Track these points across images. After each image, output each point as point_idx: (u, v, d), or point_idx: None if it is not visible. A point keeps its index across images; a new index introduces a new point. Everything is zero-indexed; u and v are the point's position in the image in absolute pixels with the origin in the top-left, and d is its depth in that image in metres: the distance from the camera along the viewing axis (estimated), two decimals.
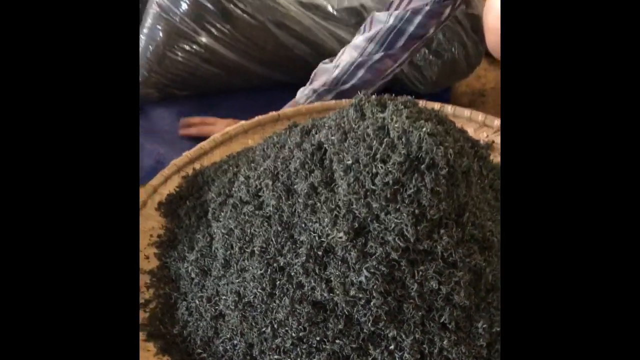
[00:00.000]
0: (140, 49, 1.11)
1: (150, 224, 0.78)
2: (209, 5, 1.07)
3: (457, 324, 0.56)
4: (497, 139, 0.88)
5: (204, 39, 1.09)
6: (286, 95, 1.04)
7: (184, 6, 1.08)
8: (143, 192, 0.81)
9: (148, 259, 0.74)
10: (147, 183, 0.83)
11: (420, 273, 0.55)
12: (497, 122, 0.89)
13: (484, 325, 0.56)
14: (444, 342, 0.55)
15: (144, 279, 0.71)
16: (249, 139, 0.91)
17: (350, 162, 0.57)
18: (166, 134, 1.08)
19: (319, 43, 1.11)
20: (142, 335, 0.64)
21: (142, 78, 1.12)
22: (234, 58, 1.10)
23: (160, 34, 1.11)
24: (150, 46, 1.11)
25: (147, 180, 0.89)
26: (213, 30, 1.08)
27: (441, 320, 0.56)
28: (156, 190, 0.82)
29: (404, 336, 0.55)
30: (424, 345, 0.55)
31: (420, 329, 0.55)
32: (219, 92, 1.15)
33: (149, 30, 1.11)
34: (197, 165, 0.86)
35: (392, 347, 0.55)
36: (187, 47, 1.10)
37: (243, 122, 0.92)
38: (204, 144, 0.89)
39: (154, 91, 1.14)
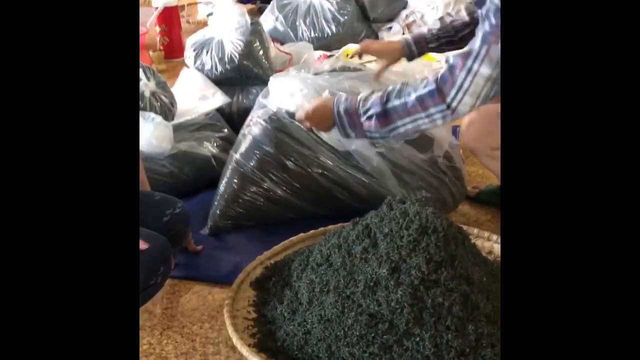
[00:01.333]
0: (220, 192, 1.56)
1: (247, 294, 1.17)
2: (271, 160, 1.54)
3: (456, 326, 0.93)
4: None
5: (266, 184, 1.55)
6: (327, 223, 1.44)
7: (254, 161, 1.55)
8: (240, 276, 1.20)
9: (249, 313, 1.11)
10: (242, 270, 1.22)
11: (432, 293, 0.94)
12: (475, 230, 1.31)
13: (472, 327, 0.93)
14: (449, 336, 0.92)
15: (247, 324, 1.08)
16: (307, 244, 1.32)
17: (386, 231, 0.99)
18: (240, 249, 1.48)
19: (349, 187, 1.56)
20: (254, 349, 0.99)
21: (220, 212, 1.55)
22: (289, 197, 1.55)
23: (235, 181, 1.56)
24: (227, 190, 1.56)
25: (227, 279, 1.28)
26: (274, 177, 1.54)
27: (446, 324, 0.93)
28: (248, 274, 1.22)
29: (424, 333, 0.92)
30: (437, 339, 0.92)
31: (434, 328, 0.92)
32: (277, 222, 1.57)
33: (227, 179, 1.57)
34: (271, 261, 1.26)
35: (417, 339, 0.92)
36: (254, 190, 1.55)
37: (302, 234, 1.34)
38: (276, 248, 1.30)
39: (229, 222, 1.56)
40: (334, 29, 2.90)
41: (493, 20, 1.03)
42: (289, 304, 1.06)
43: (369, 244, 1.01)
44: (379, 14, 3.04)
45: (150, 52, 2.76)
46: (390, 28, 3.05)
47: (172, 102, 1.78)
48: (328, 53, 2.65)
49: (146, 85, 1.71)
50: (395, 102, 1.15)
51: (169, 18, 2.81)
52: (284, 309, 1.05)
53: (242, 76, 1.96)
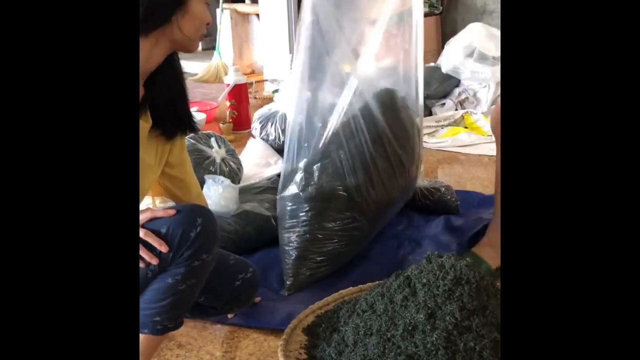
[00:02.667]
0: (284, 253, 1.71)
1: (299, 339, 1.29)
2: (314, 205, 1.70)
3: None
4: None
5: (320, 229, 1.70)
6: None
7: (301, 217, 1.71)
8: (294, 322, 1.33)
9: (300, 354, 1.24)
10: (296, 317, 1.35)
11: (464, 338, 1.04)
12: None
13: None
14: None
15: None
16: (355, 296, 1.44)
17: (424, 281, 1.11)
18: (293, 300, 1.61)
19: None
20: None
21: (292, 272, 1.70)
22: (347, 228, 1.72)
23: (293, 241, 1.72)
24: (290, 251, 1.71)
25: (281, 327, 1.40)
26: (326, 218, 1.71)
27: None
28: (301, 321, 1.34)
29: None
30: None
31: None
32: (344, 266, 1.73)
33: (286, 241, 1.73)
34: (322, 310, 1.39)
35: None
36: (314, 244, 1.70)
37: (351, 287, 1.46)
38: (327, 299, 1.42)
39: (305, 277, 1.70)
40: None
41: None
42: (336, 346, 1.18)
43: (408, 292, 1.13)
44: (433, 91, 3.22)
45: (220, 124, 3.03)
46: (444, 104, 3.22)
47: (239, 168, 1.99)
48: None
49: (217, 152, 1.93)
50: None
51: (239, 94, 3.08)
52: (331, 350, 1.17)
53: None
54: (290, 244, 1.71)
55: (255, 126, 2.22)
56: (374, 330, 1.11)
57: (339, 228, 1.70)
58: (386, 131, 1.77)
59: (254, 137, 2.27)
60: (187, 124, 1.27)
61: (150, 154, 1.22)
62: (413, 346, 1.05)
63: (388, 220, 1.87)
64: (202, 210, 1.14)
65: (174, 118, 1.24)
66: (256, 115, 2.26)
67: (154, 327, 1.12)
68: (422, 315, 1.07)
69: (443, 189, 2.04)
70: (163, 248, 1.05)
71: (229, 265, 1.37)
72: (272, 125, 2.18)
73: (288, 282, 1.68)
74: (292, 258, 1.70)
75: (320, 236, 1.70)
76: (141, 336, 1.13)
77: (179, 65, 1.23)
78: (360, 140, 1.75)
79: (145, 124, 1.18)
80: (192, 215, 1.10)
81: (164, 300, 1.10)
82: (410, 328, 1.07)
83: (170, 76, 1.21)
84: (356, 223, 1.72)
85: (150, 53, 1.11)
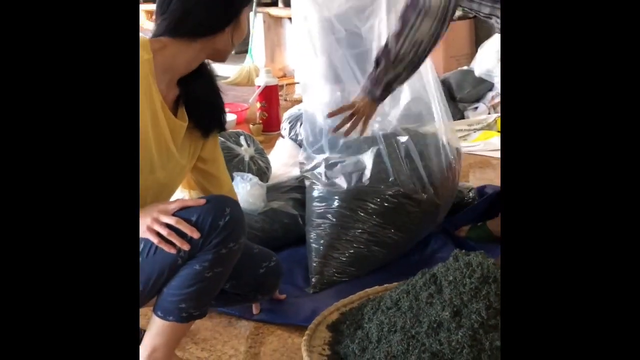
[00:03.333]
0: (311, 250, 1.71)
1: (323, 335, 1.29)
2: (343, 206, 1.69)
3: None
4: None
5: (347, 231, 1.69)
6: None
7: (330, 214, 1.70)
8: (318, 318, 1.33)
9: (324, 350, 1.23)
10: (320, 314, 1.35)
11: (490, 336, 1.02)
12: None
13: None
14: None
15: (322, 359, 1.19)
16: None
17: (451, 279, 1.09)
18: (318, 298, 1.61)
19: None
20: None
21: (317, 269, 1.69)
22: (374, 233, 1.70)
23: (322, 239, 1.71)
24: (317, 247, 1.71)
25: (305, 323, 1.39)
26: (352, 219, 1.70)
27: None
28: (325, 318, 1.34)
29: None
30: None
31: None
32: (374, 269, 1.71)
33: (314, 238, 1.72)
34: (347, 308, 1.38)
35: None
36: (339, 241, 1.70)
37: (377, 286, 1.45)
38: (352, 297, 1.41)
39: (331, 276, 1.69)
40: None
41: None
42: (360, 342, 1.17)
43: (434, 290, 1.11)
44: (466, 95, 3.19)
45: (251, 125, 3.05)
46: (477, 108, 3.19)
47: (268, 167, 2.00)
48: None
49: (246, 150, 1.95)
50: (392, 41, 1.43)
51: (269, 95, 3.10)
52: (355, 346, 1.16)
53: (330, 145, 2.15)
54: (317, 242, 1.71)
55: (285, 126, 2.23)
56: (398, 327, 1.10)
57: (368, 232, 1.69)
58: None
59: (283, 137, 2.28)
60: (223, 122, 1.32)
61: (184, 154, 1.26)
62: (438, 344, 1.03)
63: (426, 233, 1.83)
64: (230, 201, 1.16)
65: (211, 116, 1.28)
66: (285, 116, 2.27)
67: (179, 314, 1.13)
68: (447, 313, 1.05)
69: (468, 191, 2.03)
70: (195, 234, 1.07)
71: (253, 254, 1.39)
72: (301, 125, 2.19)
73: (313, 280, 1.68)
74: (318, 256, 1.70)
75: (347, 237, 1.69)
76: (166, 324, 1.14)
77: (211, 67, 1.29)
78: (394, 142, 1.75)
79: (182, 123, 1.22)
80: (221, 204, 1.13)
81: (191, 287, 1.11)
82: (435, 325, 1.06)
83: (205, 76, 1.26)
84: (386, 230, 1.70)
85: (194, 57, 1.18)
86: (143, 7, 4.58)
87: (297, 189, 2.00)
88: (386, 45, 1.50)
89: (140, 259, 1.08)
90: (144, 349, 1.14)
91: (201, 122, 1.26)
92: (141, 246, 1.09)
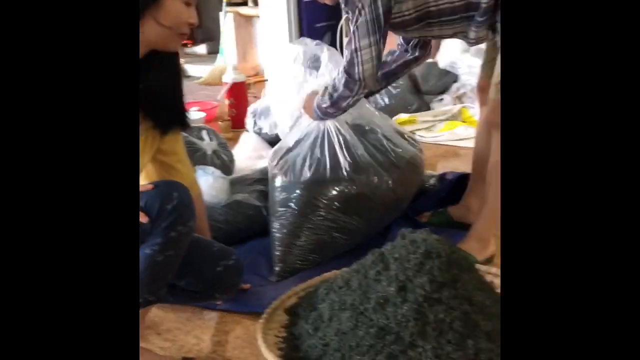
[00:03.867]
0: (274, 239, 1.73)
1: (280, 318, 1.31)
2: (305, 193, 1.72)
3: (456, 340, 1.03)
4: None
5: (310, 218, 1.71)
6: None
7: (293, 202, 1.73)
8: (275, 303, 1.35)
9: (280, 332, 1.25)
10: (278, 298, 1.38)
11: (434, 310, 1.05)
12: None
13: (472, 343, 1.03)
14: (449, 349, 1.02)
15: (277, 340, 1.22)
16: None
17: (397, 255, 1.12)
18: (282, 286, 1.63)
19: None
20: (280, 359, 1.13)
21: (280, 258, 1.71)
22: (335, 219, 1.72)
23: (285, 227, 1.74)
24: (280, 236, 1.73)
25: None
26: (315, 207, 1.71)
27: (447, 338, 1.04)
28: (283, 302, 1.36)
29: (427, 345, 1.03)
30: (438, 350, 1.02)
31: (436, 342, 1.03)
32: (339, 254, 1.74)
33: (279, 227, 1.75)
34: (305, 292, 1.40)
35: (420, 350, 1.03)
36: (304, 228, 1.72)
37: (335, 270, 1.48)
38: (310, 281, 1.44)
39: (294, 265, 1.72)
40: (387, 100, 3.11)
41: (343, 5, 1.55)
42: (313, 322, 1.19)
43: (382, 267, 1.14)
44: (431, 87, 3.24)
45: (219, 122, 3.06)
46: (442, 99, 3.23)
47: (231, 160, 2.02)
48: None
49: (208, 144, 1.97)
50: (334, 95, 1.65)
51: (237, 93, 3.12)
52: (309, 326, 1.19)
53: None
54: (280, 231, 1.73)
55: (249, 120, 2.25)
56: (347, 304, 1.13)
57: (329, 219, 1.71)
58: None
59: (247, 131, 2.30)
60: (184, 120, 1.31)
61: (142, 151, 1.24)
62: (384, 318, 1.06)
63: (389, 221, 1.86)
64: (177, 185, 1.18)
65: (169, 112, 1.27)
66: (250, 110, 2.29)
67: None
68: (393, 289, 1.08)
69: (430, 178, 2.07)
70: (143, 219, 1.08)
71: (212, 251, 1.40)
72: (265, 119, 2.21)
73: (277, 269, 1.70)
74: (281, 244, 1.72)
75: (309, 225, 1.71)
76: None
77: (177, 65, 1.27)
78: (353, 133, 1.79)
79: None
80: (169, 189, 1.14)
81: (143, 272, 1.12)
82: (382, 301, 1.09)
83: (164, 71, 1.23)
84: (347, 217, 1.72)
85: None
86: None
87: (261, 181, 2.02)
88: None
89: None
90: None
91: (157, 118, 1.25)
92: None
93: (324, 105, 1.69)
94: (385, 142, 1.80)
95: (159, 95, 1.24)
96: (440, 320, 1.04)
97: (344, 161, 1.74)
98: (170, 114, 1.28)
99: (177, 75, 1.28)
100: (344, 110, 1.71)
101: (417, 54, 1.87)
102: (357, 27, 1.53)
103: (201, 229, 1.48)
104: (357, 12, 1.52)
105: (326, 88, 1.69)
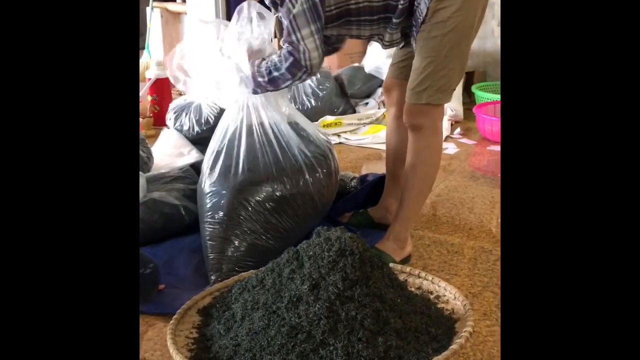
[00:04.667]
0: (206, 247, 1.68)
1: (193, 319, 1.28)
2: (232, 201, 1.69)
3: (367, 338, 1.04)
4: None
5: (241, 225, 1.68)
6: None
7: (222, 211, 1.70)
8: (188, 303, 1.32)
9: (192, 333, 1.22)
10: (191, 299, 1.34)
11: (346, 307, 1.05)
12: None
13: (382, 340, 1.04)
14: (359, 347, 1.02)
15: (188, 341, 1.18)
16: None
17: (311, 253, 1.12)
18: (199, 286, 1.59)
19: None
20: None
21: (215, 267, 1.65)
22: (266, 222, 1.69)
23: (216, 235, 1.70)
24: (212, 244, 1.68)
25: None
26: (245, 212, 1.68)
27: (358, 335, 1.04)
28: (197, 302, 1.33)
29: (338, 343, 1.03)
30: (349, 348, 1.02)
31: (347, 339, 1.03)
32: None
33: (209, 235, 1.70)
34: (220, 292, 1.38)
35: (331, 348, 1.02)
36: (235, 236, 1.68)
37: (252, 270, 1.46)
38: (227, 281, 1.41)
39: (231, 271, 1.63)
40: (313, 102, 3.12)
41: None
42: (225, 322, 1.17)
43: (296, 265, 1.13)
44: (356, 91, 3.27)
45: (141, 119, 2.97)
46: (367, 103, 3.28)
47: (149, 157, 1.95)
48: None
49: None
50: (275, 74, 1.61)
51: (160, 89, 3.04)
52: (221, 327, 1.16)
53: None
54: (212, 238, 1.67)
55: (170, 116, 2.20)
56: (260, 304, 1.11)
57: (259, 223, 1.68)
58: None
59: (167, 127, 2.24)
60: None
61: None
62: (296, 317, 1.05)
63: (318, 220, 1.83)
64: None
65: None
66: (171, 106, 2.23)
67: None
68: (306, 287, 1.07)
69: (351, 180, 2.09)
70: None
71: None
72: (186, 115, 2.16)
73: (212, 277, 1.62)
74: (214, 251, 1.65)
75: (241, 229, 1.66)
76: None
77: None
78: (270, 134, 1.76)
79: None
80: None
81: None
82: (295, 299, 1.08)
83: None
84: (276, 220, 1.70)
85: None
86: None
87: (181, 179, 1.97)
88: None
89: None
90: None
91: None
92: None
93: (260, 79, 1.65)
94: (311, 141, 1.79)
95: None
96: (352, 318, 1.04)
97: (276, 161, 1.71)
98: None
99: None
100: (278, 89, 1.68)
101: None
102: (294, 18, 1.52)
103: None
104: (289, 3, 1.51)
105: (264, 60, 1.64)
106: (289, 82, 1.63)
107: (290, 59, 1.56)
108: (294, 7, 1.51)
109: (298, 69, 1.57)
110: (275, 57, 1.62)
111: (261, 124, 1.74)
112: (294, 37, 1.53)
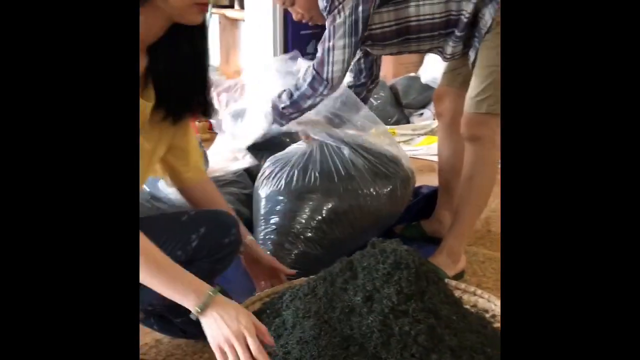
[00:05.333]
0: None
1: None
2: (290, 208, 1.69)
3: (420, 354, 1.01)
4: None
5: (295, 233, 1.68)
6: None
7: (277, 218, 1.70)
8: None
9: None
10: (242, 303, 1.34)
11: (400, 322, 1.03)
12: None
13: (436, 357, 1.01)
14: None
15: None
16: None
17: (365, 264, 1.10)
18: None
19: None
20: None
21: None
22: (322, 231, 1.68)
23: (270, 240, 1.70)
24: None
25: None
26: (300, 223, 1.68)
27: (411, 351, 1.01)
28: (247, 307, 1.32)
29: (390, 358, 1.00)
30: None
31: (400, 354, 1.01)
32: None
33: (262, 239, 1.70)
34: (270, 298, 1.37)
35: None
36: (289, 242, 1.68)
37: (303, 277, 1.45)
38: (277, 287, 1.41)
39: None
40: None
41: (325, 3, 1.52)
42: (276, 329, 1.16)
43: (349, 276, 1.11)
44: (411, 101, 3.24)
45: (197, 122, 3.02)
46: (422, 114, 3.24)
47: (205, 161, 1.98)
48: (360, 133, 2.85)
49: None
50: (295, 95, 1.62)
51: (217, 94, 3.09)
52: (271, 333, 1.15)
53: (270, 142, 2.16)
54: (264, 242, 1.68)
55: (226, 121, 2.22)
56: (312, 312, 1.10)
57: (313, 231, 1.67)
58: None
59: (224, 132, 2.27)
60: (198, 106, 1.19)
61: (150, 137, 1.15)
62: (349, 328, 1.04)
63: (375, 235, 1.81)
64: (234, 221, 1.30)
65: (181, 97, 1.15)
66: (227, 111, 2.26)
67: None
68: (359, 298, 1.06)
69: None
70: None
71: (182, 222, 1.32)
72: (242, 121, 2.18)
73: (263, 283, 1.61)
74: None
75: (293, 237, 1.66)
76: None
77: (200, 44, 1.14)
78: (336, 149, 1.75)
79: (146, 103, 1.11)
80: (228, 222, 1.27)
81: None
82: (347, 310, 1.06)
83: (182, 51, 1.11)
84: (333, 228, 1.68)
85: (146, 23, 1.03)
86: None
87: (234, 183, 1.99)
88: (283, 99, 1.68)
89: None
90: None
91: (168, 104, 1.13)
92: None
93: (282, 106, 1.65)
94: (378, 155, 1.78)
95: (172, 72, 1.12)
96: (405, 333, 1.02)
97: (334, 172, 1.70)
98: (186, 97, 1.16)
99: (199, 54, 1.14)
100: (302, 112, 1.66)
101: (364, 81, 1.91)
102: (334, 27, 1.52)
103: (221, 206, 1.40)
104: (336, 11, 1.51)
105: (285, 90, 1.66)
106: (310, 101, 1.61)
107: (313, 73, 1.57)
108: (339, 16, 1.52)
109: (319, 82, 1.56)
110: (296, 79, 1.65)
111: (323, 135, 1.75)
112: (326, 45, 1.54)
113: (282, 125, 1.72)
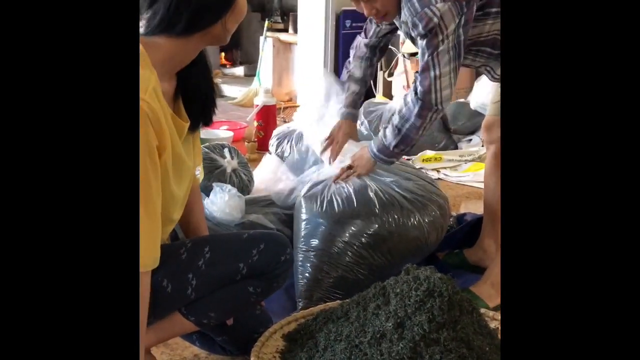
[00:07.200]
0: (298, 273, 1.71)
1: (277, 343, 1.29)
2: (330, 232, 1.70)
3: None
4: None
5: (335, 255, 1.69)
6: None
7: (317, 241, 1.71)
8: (274, 327, 1.33)
9: (274, 358, 1.23)
10: (277, 323, 1.36)
11: (431, 350, 1.02)
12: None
13: None
14: None
15: None
16: None
17: (398, 290, 1.10)
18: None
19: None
20: None
21: (305, 293, 1.67)
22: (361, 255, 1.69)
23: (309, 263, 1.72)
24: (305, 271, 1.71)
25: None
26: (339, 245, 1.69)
27: None
28: (282, 327, 1.34)
29: None
30: None
31: None
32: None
33: (302, 261, 1.72)
34: (305, 319, 1.38)
35: None
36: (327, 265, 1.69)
37: (339, 301, 1.45)
38: (312, 309, 1.42)
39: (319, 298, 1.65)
40: None
41: (422, 30, 1.46)
42: (308, 350, 1.17)
43: (382, 301, 1.12)
44: (460, 126, 3.21)
45: (246, 143, 3.09)
46: (470, 140, 3.20)
47: (250, 180, 2.02)
48: (406, 157, 2.84)
49: (229, 162, 1.98)
50: (404, 129, 1.56)
51: (266, 115, 3.16)
52: (303, 354, 1.17)
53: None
54: (304, 265, 1.69)
55: (272, 142, 2.27)
56: (343, 336, 1.11)
57: (354, 256, 1.67)
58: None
59: (270, 152, 2.32)
60: (212, 115, 1.25)
61: (190, 156, 1.21)
62: (379, 354, 1.04)
63: (416, 261, 1.73)
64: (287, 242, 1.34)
65: (204, 108, 1.22)
66: (275, 132, 2.31)
67: (201, 319, 1.27)
68: (390, 324, 1.06)
69: (451, 219, 2.04)
70: None
71: (255, 316, 1.41)
72: (288, 142, 2.23)
73: (300, 304, 1.64)
74: (305, 278, 1.68)
75: (334, 261, 1.66)
76: (181, 320, 1.26)
77: (208, 60, 1.22)
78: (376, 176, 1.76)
79: (184, 124, 1.16)
80: (284, 242, 1.32)
81: (232, 302, 1.27)
82: (378, 336, 1.06)
83: (202, 69, 1.18)
84: (372, 253, 1.69)
85: (193, 51, 1.11)
86: None
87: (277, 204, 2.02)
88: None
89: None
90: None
91: (193, 114, 1.19)
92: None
93: (390, 144, 1.59)
94: (419, 182, 1.79)
95: (198, 91, 1.18)
96: None
97: (375, 198, 1.71)
98: (203, 108, 1.21)
99: (207, 67, 1.21)
100: (412, 146, 1.61)
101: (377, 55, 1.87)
102: (437, 54, 1.47)
103: (198, 221, 1.40)
104: (438, 39, 1.46)
105: (383, 129, 1.62)
106: (421, 131, 1.57)
107: (419, 104, 1.51)
108: (442, 43, 1.46)
109: (428, 109, 1.51)
110: (396, 115, 1.59)
111: None
112: (431, 74, 1.48)
113: (392, 163, 1.69)
